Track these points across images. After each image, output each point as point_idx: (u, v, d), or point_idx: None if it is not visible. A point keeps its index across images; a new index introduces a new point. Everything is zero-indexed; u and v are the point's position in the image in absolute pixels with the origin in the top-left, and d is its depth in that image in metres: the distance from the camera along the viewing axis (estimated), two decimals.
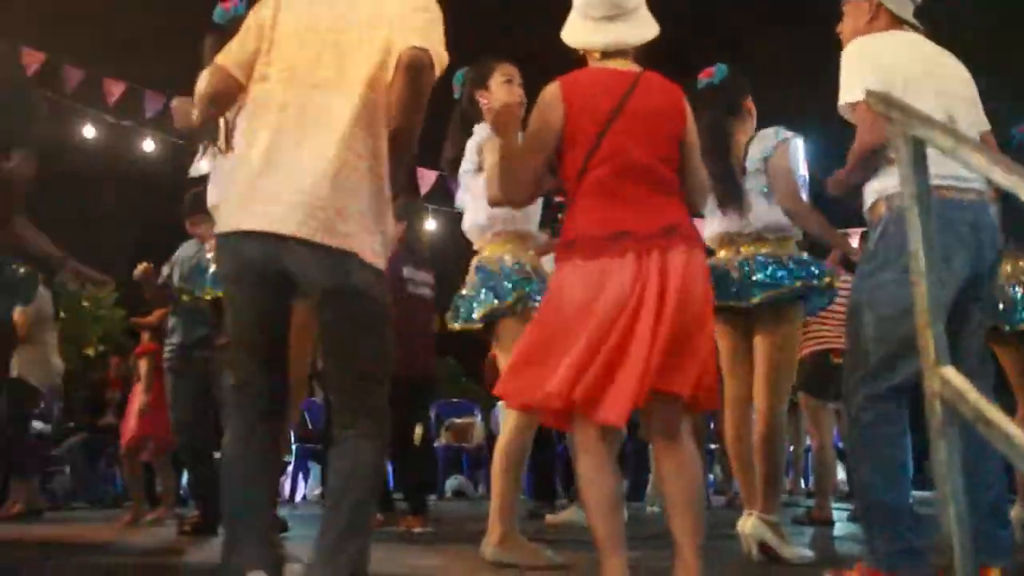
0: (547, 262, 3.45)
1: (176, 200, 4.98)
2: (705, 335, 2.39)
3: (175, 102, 2.79)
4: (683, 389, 2.28)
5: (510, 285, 3.31)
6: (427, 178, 9.14)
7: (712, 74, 3.66)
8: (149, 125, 9.31)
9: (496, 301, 3.30)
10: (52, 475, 8.86)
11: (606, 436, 2.33)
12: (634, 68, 2.53)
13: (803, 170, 3.62)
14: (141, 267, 4.94)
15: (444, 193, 9.24)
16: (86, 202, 18.86)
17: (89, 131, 9.26)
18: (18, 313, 6.24)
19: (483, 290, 3.35)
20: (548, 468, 6.40)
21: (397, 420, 4.42)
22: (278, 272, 2.23)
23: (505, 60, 3.51)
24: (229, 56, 2.40)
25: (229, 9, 3.22)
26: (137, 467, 6.22)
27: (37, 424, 7.56)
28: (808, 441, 9.42)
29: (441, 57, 2.28)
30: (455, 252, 5.91)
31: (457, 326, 3.50)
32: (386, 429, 2.34)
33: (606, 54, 2.52)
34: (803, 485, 8.98)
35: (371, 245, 2.24)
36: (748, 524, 3.39)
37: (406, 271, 5.15)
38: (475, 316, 3.37)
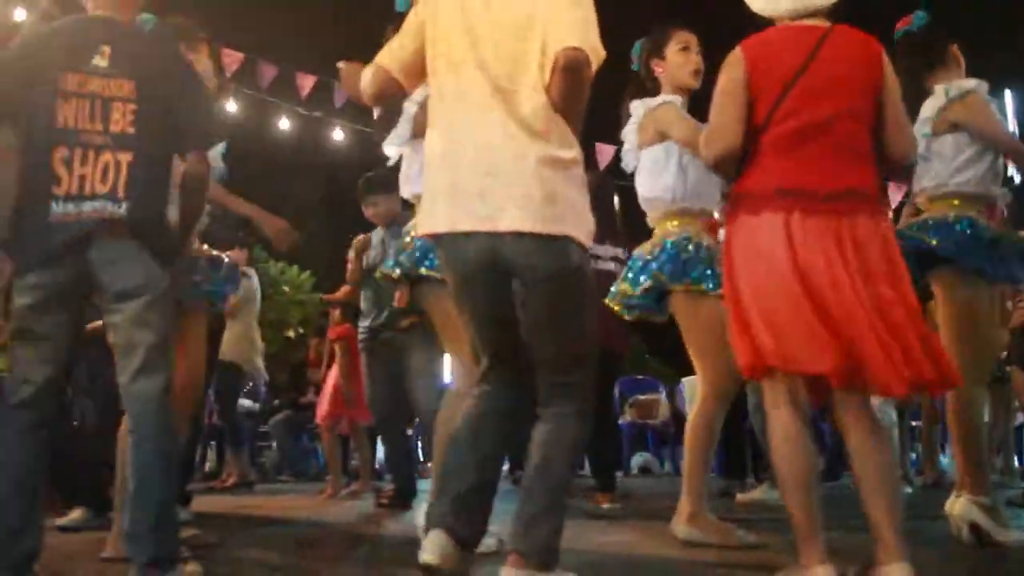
0: None
1: None
2: (908, 308, 2.25)
3: (342, 65, 2.84)
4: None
5: (676, 264, 3.24)
6: (605, 153, 9.06)
7: (910, 22, 3.42)
8: (338, 115, 9.72)
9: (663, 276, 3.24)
10: (261, 450, 9.47)
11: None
12: (823, 24, 2.40)
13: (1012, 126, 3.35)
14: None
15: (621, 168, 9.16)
16: (282, 191, 19.91)
17: (284, 123, 9.73)
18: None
19: (652, 265, 3.30)
20: (739, 446, 6.22)
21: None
22: (498, 266, 2.26)
23: (682, 27, 3.41)
24: (389, 56, 2.45)
25: None
26: (334, 443, 6.53)
27: (246, 402, 8.07)
28: (1020, 418, 8.78)
29: (598, 53, 2.25)
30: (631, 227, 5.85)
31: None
32: (589, 407, 2.34)
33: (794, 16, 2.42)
34: (1016, 464, 8.35)
35: (581, 226, 2.27)
36: (957, 505, 3.17)
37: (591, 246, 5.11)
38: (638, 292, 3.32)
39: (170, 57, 2.52)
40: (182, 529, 3.24)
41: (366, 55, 2.54)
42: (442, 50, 2.35)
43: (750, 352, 2.29)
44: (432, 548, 2.19)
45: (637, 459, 9.11)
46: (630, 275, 3.38)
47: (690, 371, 3.81)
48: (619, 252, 5.19)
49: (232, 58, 8.40)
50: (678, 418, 9.01)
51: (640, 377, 10.36)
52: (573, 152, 2.29)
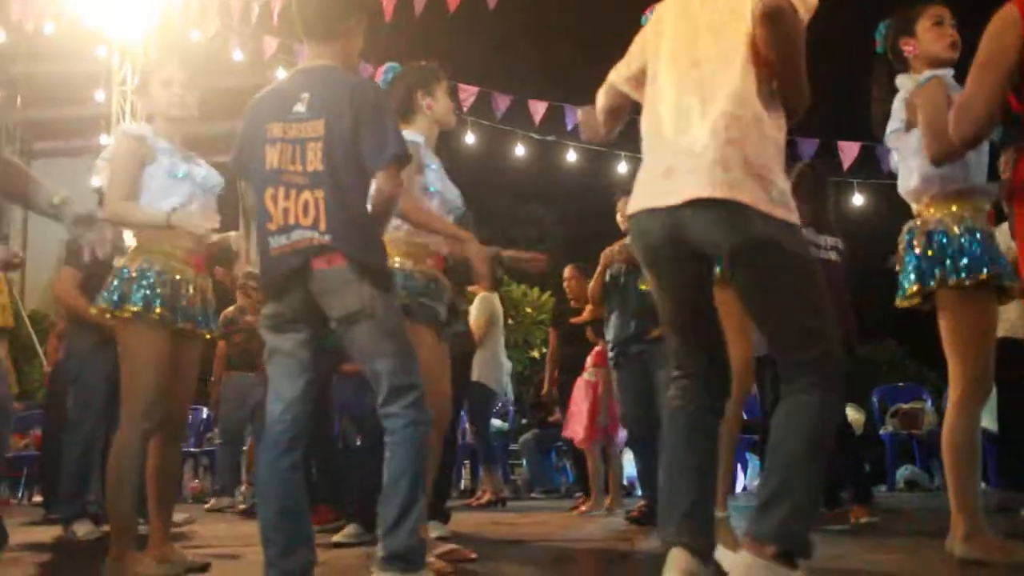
0: None
1: (601, 205, 5.20)
2: None
3: (581, 114, 2.94)
4: None
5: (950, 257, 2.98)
6: (848, 151, 8.62)
7: None
8: (570, 138, 9.89)
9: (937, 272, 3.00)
10: (512, 468, 9.73)
11: None
12: None
13: None
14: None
15: (870, 165, 8.71)
16: (518, 215, 20.44)
17: (519, 150, 10.03)
18: (473, 319, 6.95)
19: (919, 261, 3.06)
20: (1017, 455, 5.67)
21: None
22: (683, 245, 2.26)
23: (933, 1, 3.18)
24: (619, 74, 2.59)
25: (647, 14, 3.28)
26: (597, 460, 6.57)
27: (496, 421, 8.32)
28: None
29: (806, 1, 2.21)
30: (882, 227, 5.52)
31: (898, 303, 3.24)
32: (832, 382, 2.22)
33: None
34: None
35: (764, 195, 2.18)
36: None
37: (805, 233, 4.88)
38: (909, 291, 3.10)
39: (352, 90, 2.61)
40: (440, 544, 3.41)
41: (597, 80, 2.67)
42: (663, 54, 2.43)
43: None
44: (674, 566, 2.19)
45: (903, 472, 8.51)
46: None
47: None
48: (837, 242, 4.96)
49: (468, 92, 8.79)
50: None
51: (901, 384, 9.70)
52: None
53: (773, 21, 2.18)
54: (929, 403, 8.86)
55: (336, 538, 4.14)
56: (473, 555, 3.48)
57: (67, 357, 5.24)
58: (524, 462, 9.46)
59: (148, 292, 3.14)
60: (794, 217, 2.23)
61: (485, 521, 5.49)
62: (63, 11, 8.88)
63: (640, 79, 2.53)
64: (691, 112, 2.29)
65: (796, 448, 2.17)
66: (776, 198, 2.20)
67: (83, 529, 4.56)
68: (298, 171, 2.55)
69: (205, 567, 3.31)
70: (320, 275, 2.51)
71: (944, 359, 3.17)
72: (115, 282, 3.18)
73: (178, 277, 3.24)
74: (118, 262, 3.29)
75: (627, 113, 2.67)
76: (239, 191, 3.55)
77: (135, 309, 3.11)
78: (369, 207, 2.65)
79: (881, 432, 8.35)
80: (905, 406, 8.75)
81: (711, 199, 2.17)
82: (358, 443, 5.80)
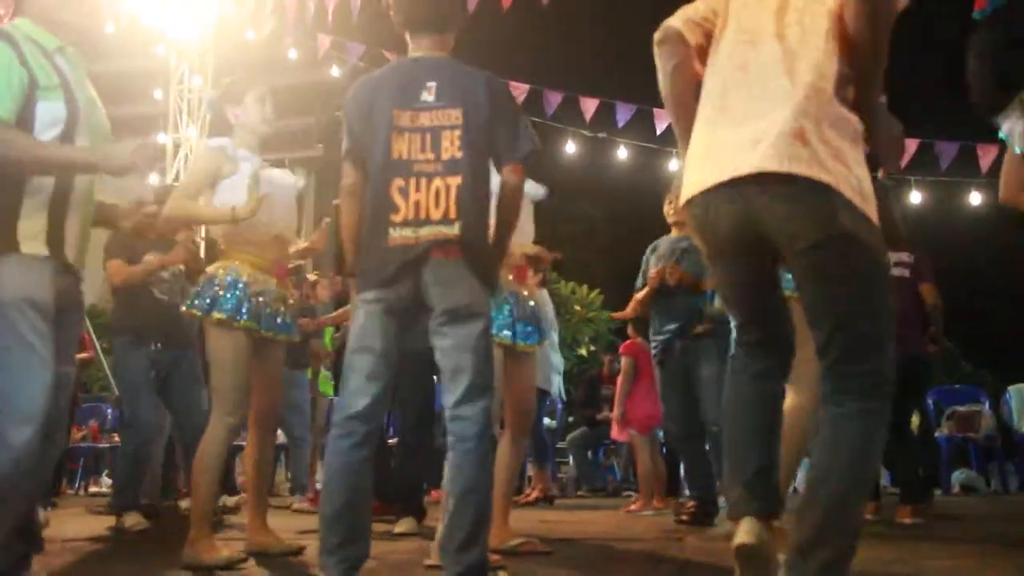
0: None
1: (650, 202, 5.18)
2: None
3: None
4: None
5: None
6: (907, 148, 8.48)
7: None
8: (621, 135, 9.85)
9: None
10: (559, 466, 9.73)
11: None
12: None
13: None
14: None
15: (927, 162, 8.58)
16: (567, 212, 20.42)
17: (570, 147, 10.02)
18: None
19: None
20: None
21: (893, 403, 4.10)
22: (752, 234, 2.13)
23: None
24: (686, 17, 2.41)
25: None
26: (638, 458, 6.57)
27: (545, 419, 8.33)
28: None
29: None
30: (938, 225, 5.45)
31: None
32: (885, 406, 2.08)
33: None
34: None
35: (848, 179, 2.04)
36: None
37: None
38: None
39: (486, 82, 2.66)
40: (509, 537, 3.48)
41: (645, 77, 2.56)
42: (729, 23, 2.31)
43: None
44: (745, 531, 2.15)
45: (958, 476, 8.36)
46: None
47: (1017, 377, 3.46)
48: (904, 257, 4.96)
49: (519, 90, 8.80)
50: (1006, 432, 8.19)
51: (957, 386, 9.51)
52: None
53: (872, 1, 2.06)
54: (987, 406, 8.69)
55: (398, 529, 4.26)
56: (546, 549, 3.57)
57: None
58: (571, 460, 9.46)
59: (235, 303, 3.34)
60: (872, 211, 2.08)
61: (533, 519, 5.49)
62: (122, 10, 9.05)
63: (707, 27, 2.37)
64: (766, 77, 2.16)
65: (840, 484, 2.03)
66: (858, 187, 2.05)
67: (131, 520, 4.68)
68: (430, 159, 2.57)
69: (300, 550, 3.50)
70: (437, 264, 2.53)
71: (1001, 360, 3.10)
72: (207, 288, 3.38)
73: (262, 288, 3.44)
74: (209, 269, 3.50)
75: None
76: (328, 225, 3.70)
77: (222, 317, 3.31)
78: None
79: (936, 435, 8.20)
80: (962, 408, 8.59)
81: (788, 176, 2.02)
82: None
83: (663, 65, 2.41)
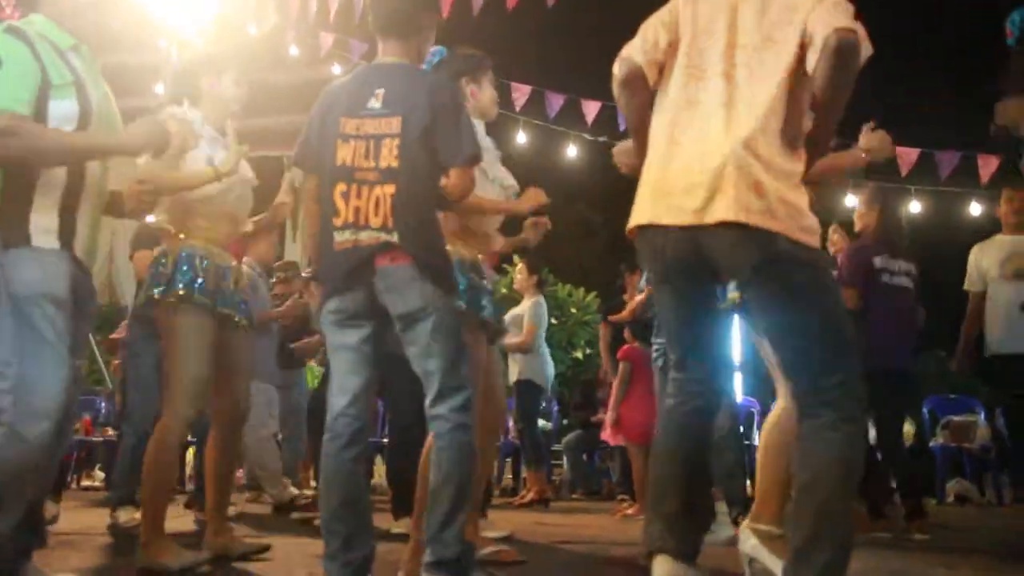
0: None
1: None
2: None
3: (616, 150, 2.90)
4: None
5: None
6: (906, 157, 8.50)
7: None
8: (623, 138, 9.83)
9: None
10: (554, 468, 9.71)
11: None
12: None
13: None
14: None
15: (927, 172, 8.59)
16: (565, 215, 20.42)
17: (571, 150, 10.00)
18: (527, 321, 6.98)
19: None
20: None
21: (881, 416, 4.10)
22: (699, 262, 2.25)
23: None
24: (640, 49, 2.47)
25: None
26: (633, 462, 6.56)
27: (540, 421, 8.31)
28: None
29: (866, 41, 2.14)
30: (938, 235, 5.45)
31: None
32: (856, 414, 2.17)
33: None
34: None
35: (795, 223, 2.16)
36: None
37: (878, 261, 4.87)
38: None
39: (428, 87, 2.64)
40: (487, 543, 3.41)
41: None
42: (682, 51, 2.38)
43: None
44: (660, 570, 2.23)
45: (952, 485, 8.36)
46: None
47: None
48: (911, 267, 4.93)
49: (521, 92, 8.77)
50: (1000, 442, 8.19)
51: (953, 396, 9.51)
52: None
53: (845, 59, 2.11)
54: (982, 416, 8.69)
55: (395, 529, 4.21)
56: (521, 558, 3.48)
57: (123, 347, 5.38)
58: (565, 462, 9.45)
59: (191, 277, 3.19)
60: (816, 242, 2.23)
61: (528, 521, 5.48)
62: (126, 4, 9.01)
63: (661, 62, 2.44)
64: (714, 118, 2.24)
65: (827, 493, 2.09)
66: (807, 228, 2.19)
67: (126, 515, 4.65)
68: (371, 167, 2.57)
69: (265, 549, 3.43)
70: (384, 272, 2.53)
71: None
72: (157, 269, 3.24)
73: (219, 264, 3.32)
74: (155, 250, 3.38)
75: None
76: (288, 183, 3.63)
77: (181, 293, 3.16)
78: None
79: (932, 444, 8.20)
80: (957, 418, 8.60)
81: (741, 224, 2.14)
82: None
83: (625, 103, 2.51)
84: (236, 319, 3.35)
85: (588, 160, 10.41)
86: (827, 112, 2.20)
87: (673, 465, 2.32)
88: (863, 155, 3.13)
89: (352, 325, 2.59)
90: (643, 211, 2.34)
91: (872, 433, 4.88)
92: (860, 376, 2.18)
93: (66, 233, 2.55)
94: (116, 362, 6.84)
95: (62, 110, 2.52)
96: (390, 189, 2.53)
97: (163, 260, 3.27)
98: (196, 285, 3.19)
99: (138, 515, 4.63)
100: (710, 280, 2.36)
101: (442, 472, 2.49)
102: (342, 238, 2.56)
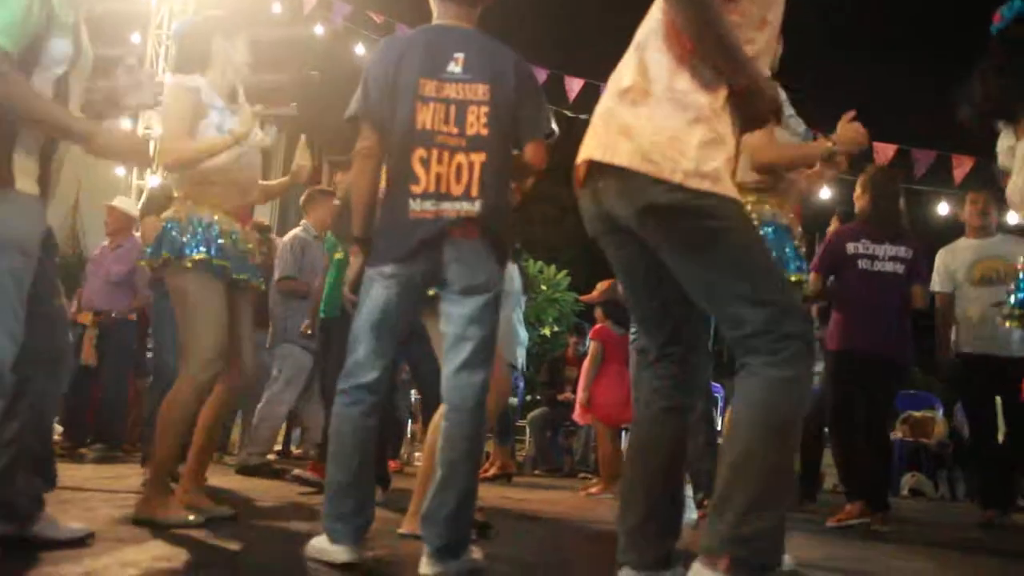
0: None
1: None
2: None
3: None
4: None
5: None
6: (924, 159, 8.61)
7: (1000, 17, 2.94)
8: None
9: None
10: (517, 444, 9.73)
11: None
12: None
13: None
14: None
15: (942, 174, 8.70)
16: (538, 191, 20.40)
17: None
18: None
19: None
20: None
21: (868, 403, 4.10)
22: (609, 220, 2.12)
23: None
24: None
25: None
26: (599, 441, 6.59)
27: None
28: None
29: None
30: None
31: None
32: (786, 357, 1.92)
33: None
34: None
35: (677, 163, 1.97)
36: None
37: (855, 246, 4.84)
38: None
39: (514, 60, 2.65)
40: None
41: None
42: None
43: None
44: None
45: (907, 479, 8.51)
46: None
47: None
48: (900, 251, 4.84)
49: (538, 75, 8.75)
50: (957, 439, 8.35)
51: (913, 392, 9.66)
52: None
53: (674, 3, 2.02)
54: (940, 413, 8.85)
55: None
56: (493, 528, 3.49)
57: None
58: (528, 438, 9.48)
59: (206, 242, 3.19)
60: (720, 188, 2.00)
61: (493, 495, 5.48)
62: None
63: None
64: (614, 80, 2.16)
65: (743, 440, 1.91)
66: (690, 169, 1.97)
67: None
68: (453, 133, 2.53)
69: (233, 516, 3.37)
70: (457, 244, 2.51)
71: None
72: (170, 234, 3.22)
73: (230, 230, 3.30)
74: (166, 215, 3.35)
75: None
76: (303, 147, 3.58)
77: (197, 258, 3.16)
78: None
79: (891, 438, 8.32)
80: (917, 414, 8.74)
81: (611, 165, 2.03)
82: None
83: None
84: (247, 280, 3.36)
85: (562, 137, 10.41)
86: (703, 53, 2.05)
87: (642, 474, 2.17)
88: (831, 145, 3.09)
89: (403, 296, 2.55)
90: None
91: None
92: (792, 314, 1.97)
93: (44, 180, 2.47)
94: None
95: (60, 50, 2.43)
96: (479, 157, 2.51)
97: (177, 224, 3.25)
98: (212, 250, 3.19)
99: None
100: (635, 240, 2.12)
101: (459, 451, 2.46)
102: (420, 207, 2.50)
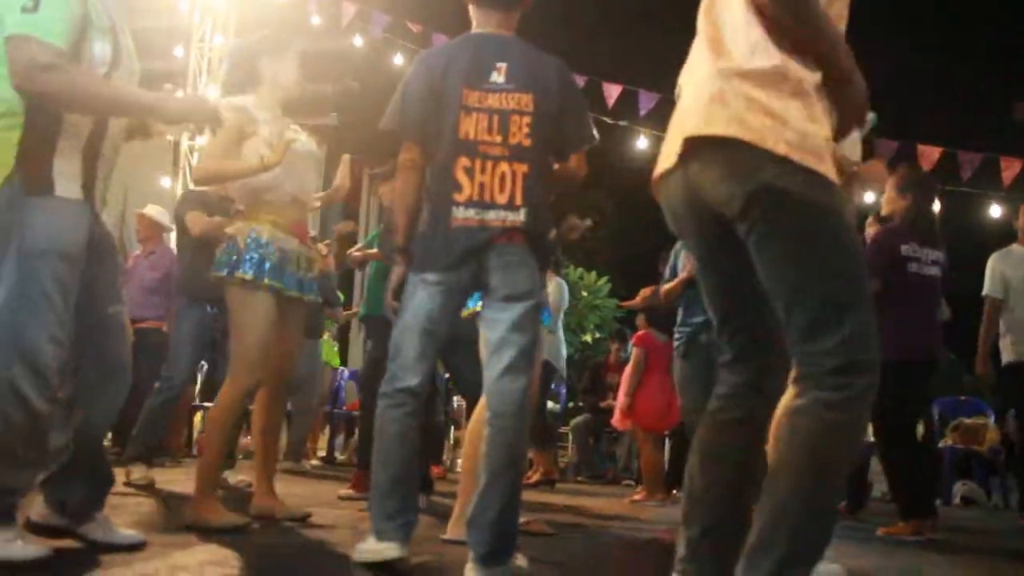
0: None
1: None
2: None
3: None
4: None
5: None
6: (928, 156, 8.43)
7: None
8: (643, 124, 9.78)
9: None
10: (560, 450, 9.71)
11: None
12: None
13: None
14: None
15: (949, 171, 8.52)
16: (577, 200, 20.38)
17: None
18: (552, 302, 6.94)
19: None
20: None
21: (894, 408, 4.01)
22: (702, 209, 1.88)
23: None
24: None
25: None
26: (642, 449, 6.55)
27: (548, 403, 8.30)
28: None
29: None
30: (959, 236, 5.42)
31: None
32: (850, 397, 1.69)
33: None
34: None
35: (777, 132, 1.75)
36: None
37: (907, 248, 4.74)
38: None
39: (557, 69, 2.66)
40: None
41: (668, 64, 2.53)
42: None
43: None
44: None
45: (959, 487, 8.33)
46: None
47: None
48: (940, 256, 4.78)
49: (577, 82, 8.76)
50: (1009, 445, 8.16)
51: (963, 398, 9.46)
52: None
53: None
54: (992, 419, 8.66)
55: None
56: (550, 531, 3.58)
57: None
58: (571, 445, 9.45)
59: (258, 262, 3.29)
60: (823, 167, 1.76)
61: (535, 501, 5.47)
62: None
63: None
64: (700, 59, 1.95)
65: (786, 490, 1.71)
66: (793, 140, 1.75)
67: (138, 473, 4.70)
68: (496, 142, 2.56)
69: (306, 516, 3.53)
70: (501, 249, 2.53)
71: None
72: (229, 250, 3.34)
73: (284, 248, 3.40)
74: (229, 230, 3.46)
75: None
76: (346, 165, 3.67)
77: (247, 277, 3.27)
78: None
79: (940, 445, 8.17)
80: (968, 420, 8.55)
81: (710, 138, 1.80)
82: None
83: None
84: (300, 296, 3.47)
85: (602, 144, 10.37)
86: (798, 38, 1.83)
87: (707, 483, 1.96)
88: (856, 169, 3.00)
89: (446, 303, 2.58)
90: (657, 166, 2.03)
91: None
92: (868, 340, 1.73)
93: (88, 183, 2.48)
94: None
95: (99, 50, 2.46)
96: (521, 168, 2.54)
97: (236, 241, 3.35)
98: (263, 272, 3.30)
99: (151, 473, 4.68)
100: (727, 231, 1.86)
101: (503, 457, 2.45)
102: (464, 215, 2.53)
